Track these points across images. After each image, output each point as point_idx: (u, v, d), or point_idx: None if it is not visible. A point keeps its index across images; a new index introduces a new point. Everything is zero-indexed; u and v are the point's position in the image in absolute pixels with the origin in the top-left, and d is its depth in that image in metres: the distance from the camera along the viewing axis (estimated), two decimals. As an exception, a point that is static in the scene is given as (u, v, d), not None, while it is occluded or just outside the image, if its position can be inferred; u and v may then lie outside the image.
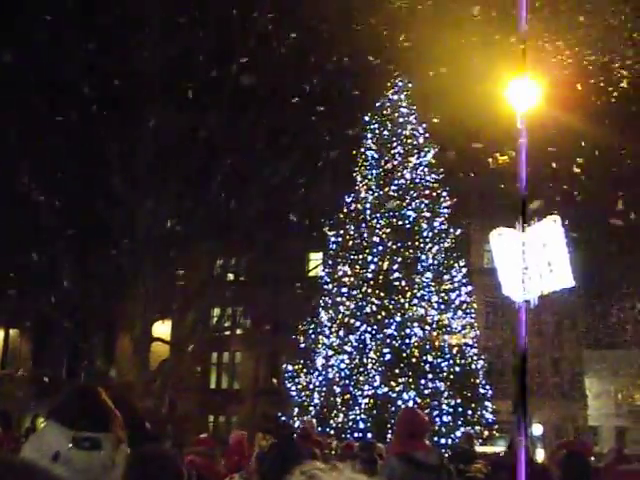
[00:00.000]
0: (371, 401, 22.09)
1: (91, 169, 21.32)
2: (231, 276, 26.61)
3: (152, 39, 21.04)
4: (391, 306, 23.13)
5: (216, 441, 11.11)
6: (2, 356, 42.38)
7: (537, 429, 33.19)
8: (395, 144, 25.17)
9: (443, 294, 23.61)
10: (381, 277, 23.52)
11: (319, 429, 20.77)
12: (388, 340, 22.70)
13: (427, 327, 22.84)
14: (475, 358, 23.21)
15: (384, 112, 25.52)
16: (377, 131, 25.39)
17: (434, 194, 24.63)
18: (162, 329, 27.69)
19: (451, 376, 22.39)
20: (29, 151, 20.43)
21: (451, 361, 22.67)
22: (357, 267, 24.11)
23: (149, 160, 21.83)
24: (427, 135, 25.18)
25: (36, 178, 20.96)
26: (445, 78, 21.90)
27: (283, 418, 23.57)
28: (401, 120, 25.48)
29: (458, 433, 19.90)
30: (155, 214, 22.43)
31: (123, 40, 20.68)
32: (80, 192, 21.33)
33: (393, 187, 24.60)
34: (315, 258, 30.15)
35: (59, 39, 19.66)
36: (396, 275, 23.45)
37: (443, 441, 20.04)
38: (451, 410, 21.79)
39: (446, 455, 15.17)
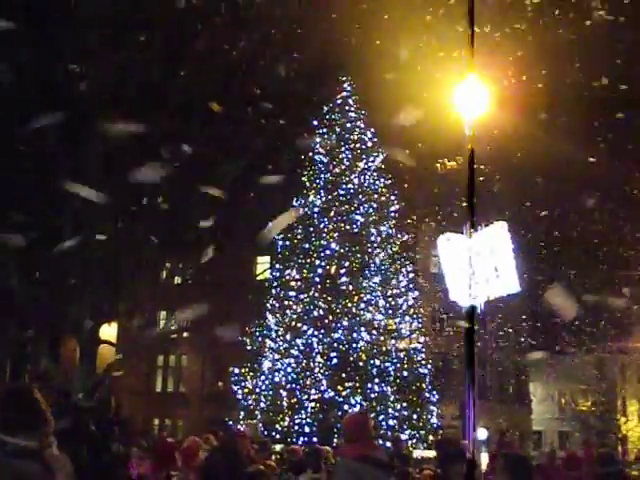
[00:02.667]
0: (317, 405, 22.09)
1: (36, 169, 20.98)
2: (178, 279, 26.40)
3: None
4: (338, 310, 23.19)
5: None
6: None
7: (482, 433, 33.54)
8: (343, 148, 25.23)
9: (390, 299, 23.73)
10: (329, 281, 23.56)
11: (265, 433, 20.75)
12: (335, 344, 22.75)
13: (374, 332, 22.94)
14: (423, 362, 23.36)
15: (332, 116, 25.57)
16: (325, 135, 25.42)
17: (382, 199, 24.75)
18: (109, 331, 27.37)
19: (398, 380, 22.53)
20: None
21: (398, 365, 22.80)
22: (305, 271, 24.13)
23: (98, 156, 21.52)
24: (375, 139, 25.29)
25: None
26: (394, 83, 22.11)
27: (229, 422, 23.45)
28: (349, 125, 25.55)
29: (403, 437, 20.01)
30: (101, 215, 22.15)
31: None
32: (25, 192, 20.98)
33: (341, 191, 24.66)
34: (263, 261, 30.06)
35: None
36: (344, 279, 23.52)
37: (389, 444, 20.13)
38: (397, 414, 21.91)
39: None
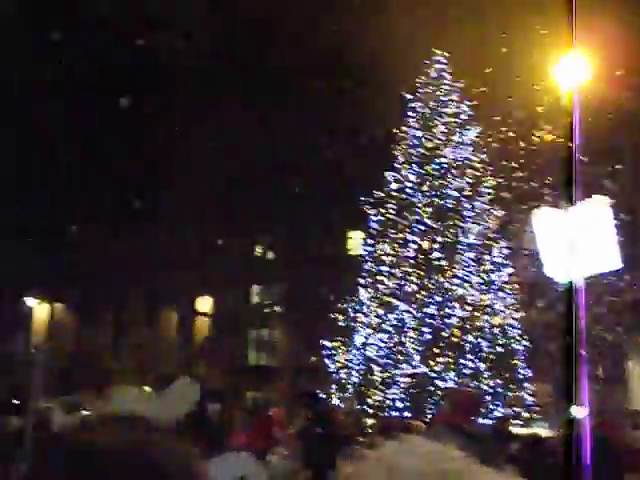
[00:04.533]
0: (410, 380, 22.04)
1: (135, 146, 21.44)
2: (272, 254, 26.67)
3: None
4: (431, 285, 23.01)
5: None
6: (48, 329, 43.01)
7: (580, 411, 32.71)
8: (437, 122, 24.89)
9: (484, 274, 23.39)
10: (421, 256, 23.39)
11: (357, 407, 20.84)
12: (428, 320, 22.61)
13: (468, 307, 22.68)
14: (518, 339, 22.95)
15: (426, 90, 25.22)
16: (419, 109, 25.11)
17: (477, 173, 24.33)
18: (205, 306, 27.92)
19: (491, 357, 22.23)
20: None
21: (492, 341, 22.50)
22: (397, 246, 23.99)
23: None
24: (470, 113, 24.83)
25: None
26: (490, 54, 21.66)
27: (323, 396, 23.61)
28: (443, 98, 25.16)
29: (497, 414, 19.79)
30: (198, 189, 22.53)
31: None
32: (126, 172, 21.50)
33: (434, 166, 24.37)
34: (355, 237, 30.02)
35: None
36: (437, 254, 23.30)
37: (482, 421, 19.92)
38: (491, 391, 21.65)
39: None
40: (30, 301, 42.43)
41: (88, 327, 40.51)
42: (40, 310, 43.97)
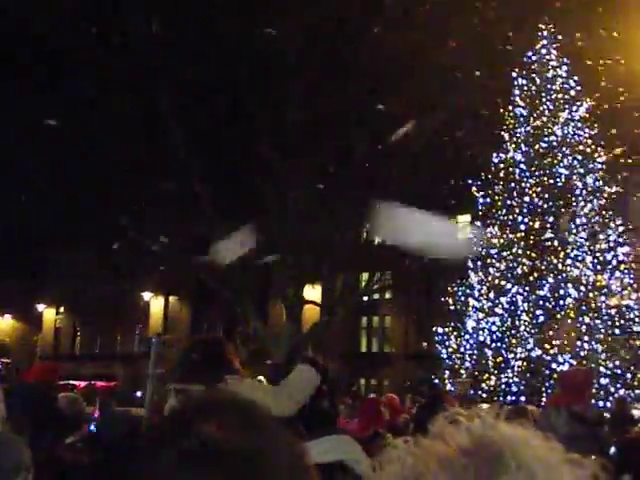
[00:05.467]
0: (524, 364, 21.64)
1: (240, 137, 21.74)
2: (379, 239, 26.61)
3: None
4: (543, 267, 22.49)
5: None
6: (164, 322, 44.40)
7: None
8: (544, 99, 24.27)
9: (598, 254, 22.71)
10: (532, 237, 22.90)
11: (471, 392, 20.63)
12: (541, 302, 22.12)
13: (582, 288, 22.07)
14: (637, 320, 22.18)
15: (532, 67, 24.62)
16: (525, 87, 24.55)
17: (588, 150, 23.61)
18: (312, 294, 28.13)
19: (609, 338, 21.58)
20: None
21: (609, 323, 21.82)
22: (507, 228, 23.56)
23: (299, 127, 22.02)
24: (579, 88, 24.11)
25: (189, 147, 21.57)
26: (598, 29, 20.98)
27: (436, 381, 23.48)
28: (550, 74, 24.51)
29: (617, 396, 19.21)
30: (304, 182, 22.68)
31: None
32: (229, 161, 21.83)
33: (543, 144, 23.78)
34: (463, 220, 29.64)
35: None
36: (548, 235, 22.76)
37: (601, 404, 19.38)
38: (609, 373, 21.03)
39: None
40: (146, 295, 43.90)
41: (200, 321, 41.62)
42: (156, 303, 45.43)
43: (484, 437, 1.00)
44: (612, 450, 8.15)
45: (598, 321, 21.74)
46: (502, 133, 24.26)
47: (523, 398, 20.21)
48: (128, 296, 41.06)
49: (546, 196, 23.12)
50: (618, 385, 20.86)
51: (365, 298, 30.20)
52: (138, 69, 20.71)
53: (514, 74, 24.33)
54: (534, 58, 24.58)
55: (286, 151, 22.43)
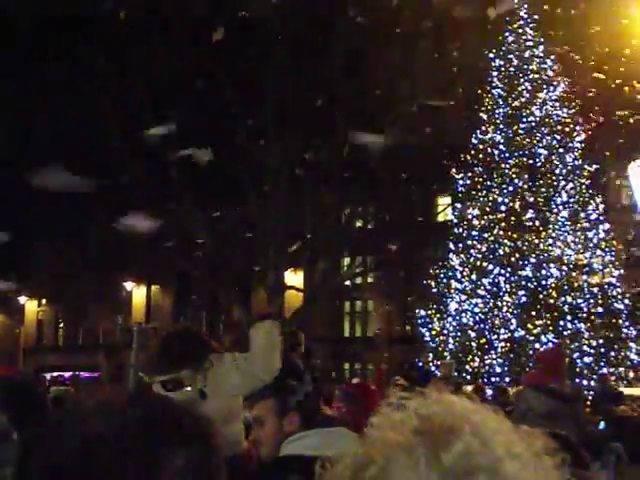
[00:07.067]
0: (508, 345, 21.67)
1: (216, 122, 21.55)
2: (359, 223, 26.55)
3: None
4: (525, 247, 22.50)
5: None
6: (145, 311, 44.21)
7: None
8: (522, 80, 24.21)
9: (579, 233, 22.74)
10: (513, 218, 22.88)
11: (455, 374, 20.60)
12: (523, 282, 22.13)
13: (564, 267, 22.10)
14: (619, 297, 22.25)
15: (509, 47, 24.53)
16: (502, 68, 24.48)
17: (566, 129, 23.59)
18: (295, 279, 28.03)
19: (592, 317, 21.63)
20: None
21: (592, 301, 21.87)
22: (487, 209, 23.53)
23: (274, 110, 21.86)
24: (555, 68, 24.07)
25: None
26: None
27: (420, 364, 23.47)
28: (527, 54, 24.44)
29: (600, 374, 19.29)
30: (281, 164, 22.53)
31: None
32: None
33: (522, 125, 23.75)
34: (442, 202, 29.60)
35: None
36: (529, 215, 22.75)
37: (585, 382, 19.46)
38: (593, 351, 21.09)
39: (591, 396, 14.72)
40: (129, 284, 43.66)
41: (183, 309, 41.44)
42: (138, 293, 45.19)
43: (432, 414, 0.99)
44: (601, 425, 8.18)
45: (580, 300, 21.79)
46: (480, 114, 24.20)
47: (507, 379, 20.22)
48: (110, 286, 40.81)
49: (526, 176, 23.10)
50: (602, 363, 20.93)
51: (347, 282, 30.14)
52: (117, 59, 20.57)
53: (491, 55, 24.25)
54: (511, 39, 24.50)
55: (263, 136, 22.28)
